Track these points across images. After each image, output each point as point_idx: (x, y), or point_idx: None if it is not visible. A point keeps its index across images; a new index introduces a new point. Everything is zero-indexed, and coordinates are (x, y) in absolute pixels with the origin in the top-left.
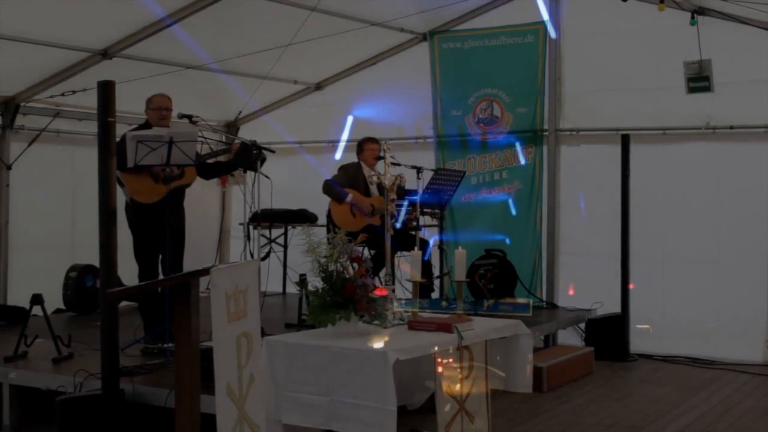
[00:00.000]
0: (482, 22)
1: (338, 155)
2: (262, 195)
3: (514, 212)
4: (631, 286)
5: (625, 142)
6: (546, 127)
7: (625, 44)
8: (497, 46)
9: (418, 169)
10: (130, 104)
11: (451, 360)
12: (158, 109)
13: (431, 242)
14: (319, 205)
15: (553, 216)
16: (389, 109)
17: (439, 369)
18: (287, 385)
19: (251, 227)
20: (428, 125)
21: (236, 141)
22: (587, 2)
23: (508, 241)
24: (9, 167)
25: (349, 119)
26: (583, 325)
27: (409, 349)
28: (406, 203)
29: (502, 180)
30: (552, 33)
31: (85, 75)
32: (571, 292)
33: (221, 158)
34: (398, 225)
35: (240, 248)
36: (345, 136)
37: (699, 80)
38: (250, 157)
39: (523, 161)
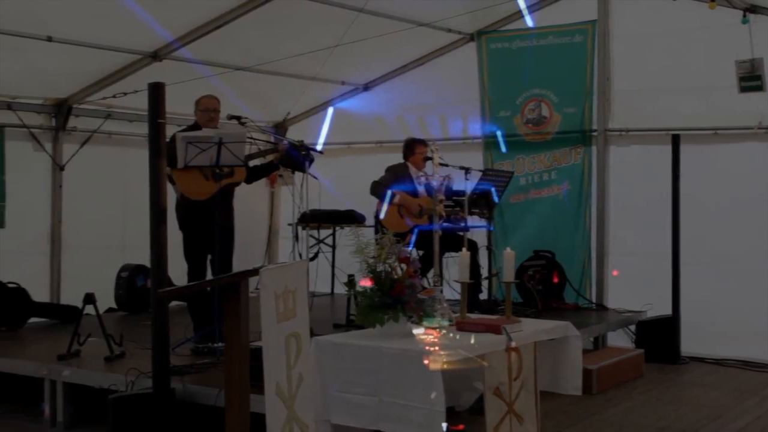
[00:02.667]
0: (530, 22)
1: (319, 147)
2: (310, 195)
3: (563, 213)
4: (615, 273)
5: (676, 142)
6: (595, 127)
7: (675, 43)
8: (545, 46)
9: (467, 170)
10: (179, 106)
11: (499, 361)
12: (207, 110)
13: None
14: (367, 205)
15: (603, 217)
16: (437, 109)
17: (488, 370)
18: (336, 385)
19: (300, 228)
20: (476, 126)
21: (284, 142)
22: (637, 1)
23: (557, 242)
24: (62, 168)
25: (330, 110)
26: (633, 327)
27: (458, 350)
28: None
29: (551, 180)
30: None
31: (135, 77)
32: (614, 272)
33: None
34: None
35: (288, 249)
36: (325, 128)
37: (751, 79)
38: (298, 157)
39: (572, 162)
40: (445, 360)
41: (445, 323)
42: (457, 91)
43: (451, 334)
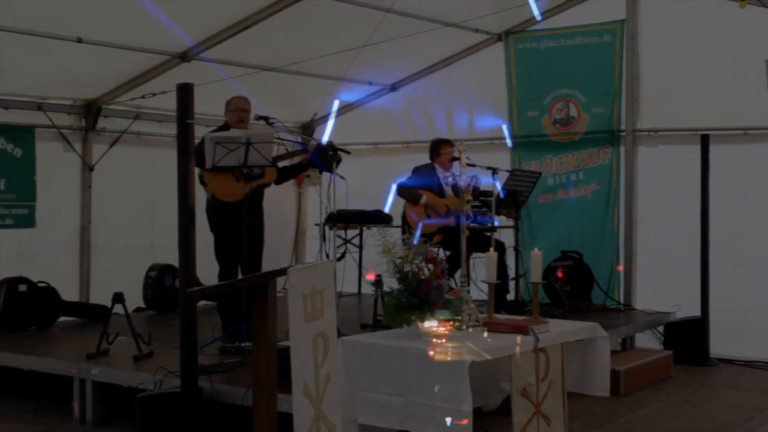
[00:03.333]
0: (558, 21)
1: (325, 138)
2: (337, 196)
3: (590, 213)
4: (620, 268)
5: (705, 142)
6: (623, 127)
7: (704, 43)
8: (573, 45)
9: (494, 170)
10: (208, 106)
11: (527, 362)
12: (237, 110)
13: None
14: (394, 206)
15: (631, 217)
16: (464, 109)
17: (515, 371)
18: (363, 385)
19: (327, 228)
20: (503, 126)
21: (312, 142)
22: (666, 0)
23: (584, 242)
24: (91, 168)
25: (336, 103)
26: (661, 329)
27: (485, 350)
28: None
29: (578, 181)
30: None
31: (164, 78)
32: (619, 267)
33: (296, 159)
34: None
35: (316, 249)
36: (331, 122)
37: None
38: (325, 158)
39: (599, 162)
40: (471, 361)
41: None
42: (484, 92)
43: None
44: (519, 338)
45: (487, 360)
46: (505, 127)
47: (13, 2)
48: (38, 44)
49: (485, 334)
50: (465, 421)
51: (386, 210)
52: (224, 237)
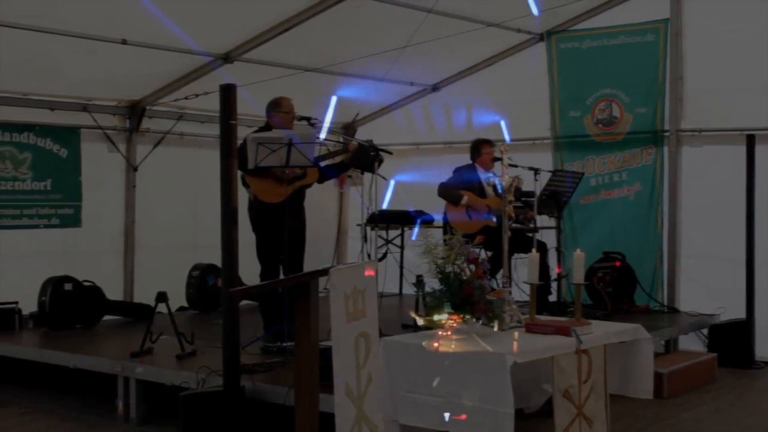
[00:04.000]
0: (600, 21)
1: (322, 135)
2: (379, 196)
3: (634, 214)
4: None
5: (750, 142)
6: (667, 127)
7: (750, 41)
8: (616, 45)
9: (536, 171)
10: (250, 107)
11: (569, 364)
12: (290, 111)
13: None
14: (436, 206)
15: (675, 218)
16: (506, 110)
17: (557, 372)
18: (404, 385)
19: (368, 228)
20: (546, 126)
21: (353, 142)
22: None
23: (627, 243)
24: (135, 169)
25: (334, 99)
26: (705, 331)
27: (527, 351)
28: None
29: (621, 181)
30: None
31: (207, 79)
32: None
33: (338, 159)
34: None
35: (357, 249)
36: (329, 116)
37: None
38: (367, 158)
39: (643, 162)
40: (513, 362)
41: (514, 324)
42: (526, 92)
43: (520, 336)
44: (561, 339)
45: (529, 361)
46: (503, 123)
47: (60, 5)
48: (83, 46)
49: (527, 336)
50: (507, 423)
51: (384, 206)
52: (266, 237)
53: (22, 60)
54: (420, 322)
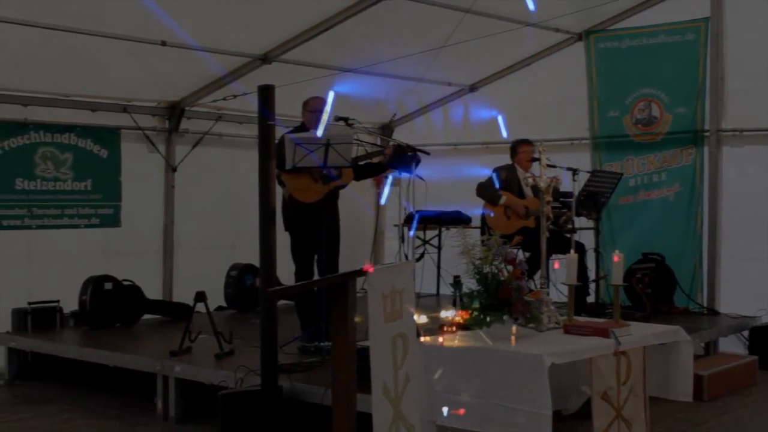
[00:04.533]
0: (639, 20)
1: (320, 132)
2: (416, 196)
3: (673, 215)
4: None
5: None
6: (707, 127)
7: None
8: (656, 44)
9: (574, 171)
10: (287, 107)
11: (607, 365)
12: (316, 111)
13: None
14: (474, 206)
15: (715, 219)
16: (544, 110)
17: (595, 374)
18: (441, 386)
19: (406, 229)
20: (584, 126)
21: (391, 143)
22: None
23: (667, 244)
24: (174, 169)
25: (331, 94)
26: (746, 333)
27: (565, 353)
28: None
29: (661, 182)
30: None
31: (245, 79)
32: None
33: (376, 160)
34: None
35: (394, 249)
36: (327, 110)
37: None
38: (405, 159)
39: (682, 163)
40: (551, 363)
41: (552, 326)
42: (564, 92)
43: (558, 337)
44: (599, 341)
45: (567, 362)
46: (500, 118)
47: (101, 7)
48: (124, 48)
49: (565, 337)
50: (545, 424)
51: (382, 202)
52: (301, 237)
53: (64, 61)
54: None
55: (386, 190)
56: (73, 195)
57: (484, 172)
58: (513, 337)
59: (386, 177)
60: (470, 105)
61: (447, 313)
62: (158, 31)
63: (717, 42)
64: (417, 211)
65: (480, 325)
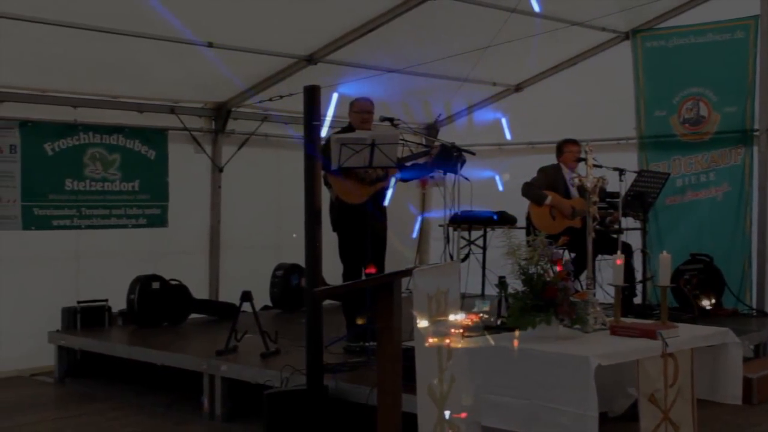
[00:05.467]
0: (687, 18)
1: (324, 132)
2: (461, 197)
3: (721, 215)
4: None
5: None
6: (756, 126)
7: None
8: (704, 43)
9: (621, 171)
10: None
11: (654, 367)
12: (361, 112)
13: None
14: (519, 207)
15: (764, 219)
16: (590, 109)
17: (642, 376)
18: (487, 387)
19: (451, 229)
20: (630, 126)
21: (436, 143)
22: None
23: (715, 245)
24: (221, 170)
25: (334, 96)
26: None
27: (612, 354)
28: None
29: (709, 182)
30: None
31: (291, 80)
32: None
33: (421, 161)
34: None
35: (439, 250)
36: (330, 111)
37: None
38: (450, 159)
39: (731, 162)
40: (598, 364)
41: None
42: (610, 91)
43: (605, 339)
44: (647, 343)
45: (614, 364)
46: (504, 121)
47: (148, 9)
48: (172, 49)
49: (612, 338)
50: (591, 426)
51: (385, 203)
52: (348, 238)
53: (112, 63)
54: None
55: (389, 193)
56: (120, 195)
57: (530, 171)
58: (559, 339)
59: (392, 178)
60: (515, 105)
61: (455, 317)
62: (205, 32)
63: (767, 40)
64: (462, 212)
65: (525, 325)
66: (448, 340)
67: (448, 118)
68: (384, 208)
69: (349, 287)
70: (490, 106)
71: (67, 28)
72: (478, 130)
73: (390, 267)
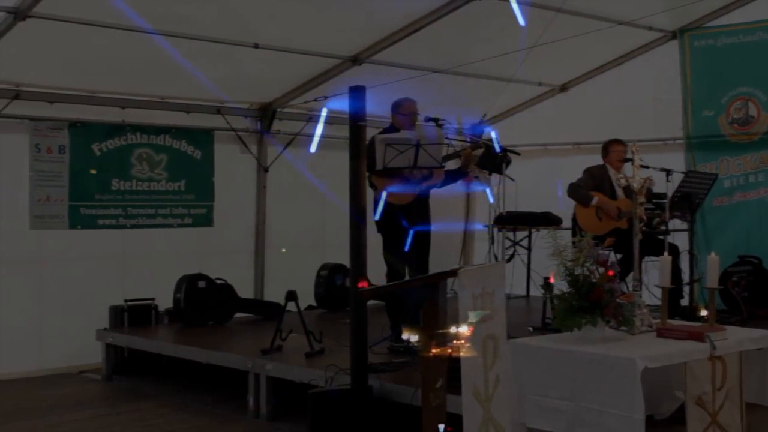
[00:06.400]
0: (736, 17)
1: (313, 149)
2: (506, 197)
3: None
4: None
5: None
6: None
7: None
8: (753, 42)
9: (668, 172)
10: (376, 108)
11: (702, 370)
12: (410, 113)
13: None
14: (564, 207)
15: None
16: (636, 110)
17: (690, 379)
18: (531, 388)
19: (495, 229)
20: (677, 126)
21: (481, 143)
22: None
23: (764, 246)
24: (266, 170)
25: (324, 111)
26: None
27: (658, 356)
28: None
29: (758, 183)
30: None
31: (336, 81)
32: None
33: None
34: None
35: (483, 250)
36: (319, 130)
37: None
38: (495, 159)
39: None
40: (644, 366)
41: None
42: (657, 91)
43: (651, 341)
44: (694, 345)
45: (660, 366)
46: (493, 134)
47: (195, 11)
48: (218, 50)
49: (658, 340)
50: (637, 429)
51: (376, 217)
52: (392, 238)
53: (159, 64)
54: None
55: (380, 207)
56: (166, 195)
57: (575, 172)
58: (605, 340)
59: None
60: (561, 105)
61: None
62: (251, 33)
63: None
64: (507, 212)
65: (571, 327)
66: (492, 341)
67: (493, 119)
68: (429, 208)
69: (392, 287)
70: (536, 106)
71: (115, 30)
72: (523, 130)
73: (434, 268)
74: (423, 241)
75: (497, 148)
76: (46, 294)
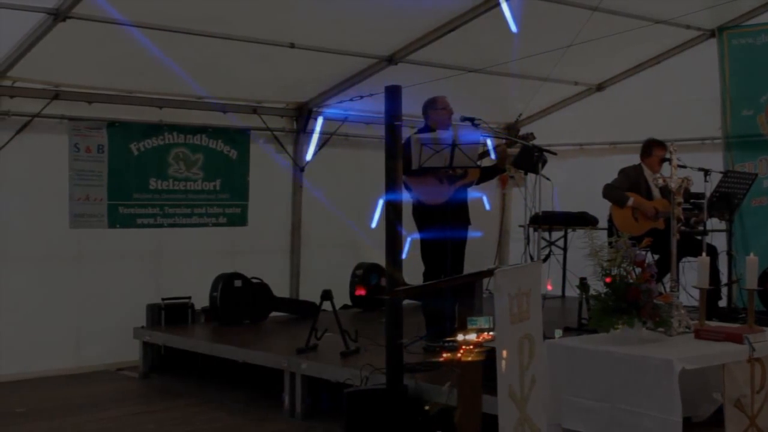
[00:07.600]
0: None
1: (309, 156)
2: (542, 197)
3: None
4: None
5: None
6: None
7: None
8: None
9: (706, 172)
10: (412, 108)
11: (741, 372)
12: (446, 108)
13: None
14: (600, 208)
15: None
16: (674, 109)
17: (728, 381)
18: (567, 389)
19: (531, 229)
20: (716, 126)
21: (517, 142)
22: None
23: None
24: (302, 169)
25: (319, 120)
26: None
27: (696, 358)
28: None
29: None
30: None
31: (372, 80)
32: None
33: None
34: None
35: (519, 250)
36: (316, 135)
37: None
38: (531, 159)
39: None
40: (682, 368)
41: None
42: (695, 90)
43: (689, 342)
44: (732, 347)
45: (698, 368)
46: (489, 141)
47: (232, 12)
48: (255, 51)
49: (696, 342)
50: (674, 431)
51: (373, 225)
52: (430, 238)
53: (196, 64)
54: None
55: (377, 216)
56: (202, 195)
57: (611, 172)
58: (641, 341)
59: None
60: (597, 104)
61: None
62: (287, 33)
63: None
64: (543, 212)
65: (607, 327)
66: (528, 342)
67: (529, 118)
68: (467, 207)
69: (428, 287)
70: (572, 105)
71: (153, 30)
72: (559, 130)
73: (470, 268)
74: (459, 240)
75: (493, 156)
76: (84, 292)
